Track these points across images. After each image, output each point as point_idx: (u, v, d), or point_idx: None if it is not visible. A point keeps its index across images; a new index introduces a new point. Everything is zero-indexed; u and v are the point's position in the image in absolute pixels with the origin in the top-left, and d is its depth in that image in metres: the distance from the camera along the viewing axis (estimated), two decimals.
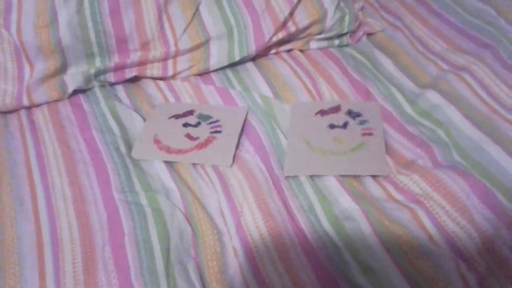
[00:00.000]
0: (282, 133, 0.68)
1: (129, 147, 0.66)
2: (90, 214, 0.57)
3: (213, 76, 0.81)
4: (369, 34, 0.89)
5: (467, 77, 0.71)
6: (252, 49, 0.80)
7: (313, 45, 0.86)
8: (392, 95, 0.73)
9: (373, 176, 0.60)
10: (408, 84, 0.75)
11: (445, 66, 0.76)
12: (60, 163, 0.63)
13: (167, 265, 0.51)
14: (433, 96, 0.69)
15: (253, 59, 0.83)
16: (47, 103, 0.74)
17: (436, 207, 0.54)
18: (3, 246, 0.54)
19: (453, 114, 0.66)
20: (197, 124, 0.69)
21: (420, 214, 0.54)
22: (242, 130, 0.68)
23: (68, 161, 0.64)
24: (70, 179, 0.61)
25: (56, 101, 0.75)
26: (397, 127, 0.67)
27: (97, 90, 0.76)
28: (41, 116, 0.72)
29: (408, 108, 0.71)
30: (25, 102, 0.73)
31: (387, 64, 0.81)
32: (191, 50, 0.79)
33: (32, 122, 0.71)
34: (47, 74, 0.74)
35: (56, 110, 0.73)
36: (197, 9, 0.80)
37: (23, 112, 0.73)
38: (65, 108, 0.73)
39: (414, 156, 0.62)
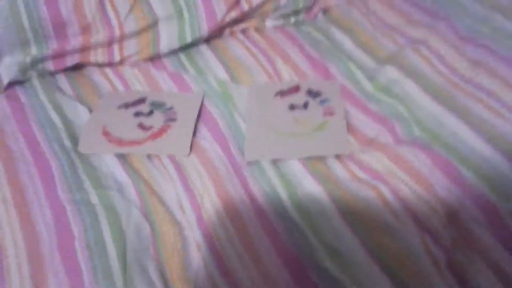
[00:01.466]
0: (241, 117, 0.65)
1: (74, 141, 0.61)
2: (35, 218, 0.52)
3: (165, 60, 0.76)
4: (325, 11, 0.86)
5: (424, 49, 0.71)
6: (204, 29, 0.76)
7: (269, 23, 0.83)
8: (351, 72, 0.72)
9: (337, 157, 0.58)
10: (367, 60, 0.74)
11: (401, 40, 0.75)
12: None
13: (124, 267, 0.48)
14: (391, 71, 0.68)
15: (207, 41, 0.79)
16: None
17: (399, 183, 0.53)
18: None
19: (411, 88, 0.65)
20: (150, 113, 0.65)
21: (384, 191, 0.53)
22: (198, 117, 0.64)
23: (6, 162, 0.57)
24: (10, 181, 0.55)
25: None
26: (357, 104, 0.66)
27: (36, 81, 0.69)
28: None
29: (367, 85, 0.69)
30: None
31: (345, 40, 0.79)
32: (138, 33, 0.74)
33: None
34: None
35: None
36: None
37: None
38: (1, 103, 0.66)
39: (375, 133, 0.61)
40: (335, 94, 0.66)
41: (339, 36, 0.80)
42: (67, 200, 0.53)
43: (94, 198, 0.53)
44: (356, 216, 0.50)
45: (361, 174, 0.56)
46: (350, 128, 0.62)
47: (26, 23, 0.68)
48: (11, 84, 0.69)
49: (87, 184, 0.55)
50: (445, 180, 0.53)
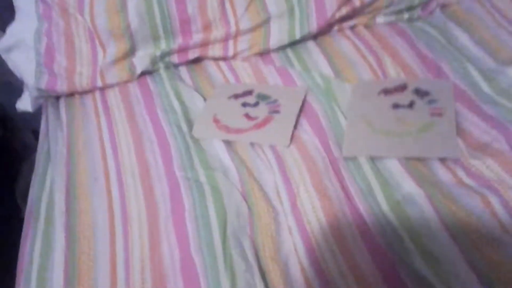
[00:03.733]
0: (342, 113, 0.65)
1: (190, 126, 0.69)
2: (155, 190, 0.60)
3: (273, 55, 0.80)
4: (443, 6, 0.81)
5: None
6: (314, 26, 0.78)
7: (380, 19, 0.81)
8: (467, 72, 0.67)
9: (441, 160, 0.56)
10: (486, 60, 0.68)
11: None
12: (130, 142, 0.67)
13: (224, 240, 0.53)
14: None
15: (315, 37, 0.81)
16: (118, 84, 0.79)
17: (510, 192, 0.49)
18: (79, 218, 0.59)
19: None
20: (256, 104, 0.70)
21: (493, 200, 0.49)
22: (300, 110, 0.67)
23: (136, 140, 0.68)
24: (138, 157, 0.65)
25: (126, 82, 0.79)
26: (471, 106, 0.62)
27: (162, 72, 0.80)
28: (113, 97, 0.77)
29: (484, 86, 0.64)
30: (99, 83, 0.78)
31: (463, 38, 0.73)
32: (251, 30, 0.79)
33: (105, 103, 0.76)
34: (118, 56, 0.78)
35: (126, 91, 0.77)
36: None
37: (97, 93, 0.79)
38: (134, 89, 0.78)
39: (489, 138, 0.56)
40: (446, 94, 0.63)
41: (456, 33, 0.75)
42: (181, 177, 0.60)
43: (202, 177, 0.60)
44: (458, 222, 0.48)
45: (468, 181, 0.53)
46: (460, 131, 0.58)
47: (158, 20, 0.78)
48: (142, 73, 0.80)
49: (198, 164, 0.62)
50: None
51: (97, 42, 0.78)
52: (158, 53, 0.79)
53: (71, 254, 0.55)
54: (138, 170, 0.63)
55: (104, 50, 0.79)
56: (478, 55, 0.69)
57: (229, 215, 0.55)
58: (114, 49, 0.78)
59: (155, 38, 0.79)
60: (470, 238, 0.47)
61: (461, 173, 0.54)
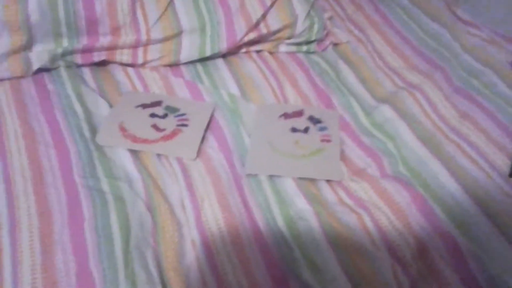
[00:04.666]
0: (246, 132, 0.71)
1: (93, 132, 0.66)
2: (50, 197, 0.57)
3: (183, 68, 0.82)
4: (335, 44, 0.93)
5: (418, 95, 0.78)
6: (224, 46, 0.82)
7: (282, 48, 0.90)
8: (351, 105, 0.79)
9: (328, 181, 0.64)
10: (366, 96, 0.81)
11: (400, 83, 0.83)
12: (21, 143, 0.62)
13: (126, 252, 0.53)
14: (386, 110, 0.75)
15: (224, 56, 0.85)
16: (9, 79, 0.72)
17: (379, 214, 0.60)
18: None
19: (402, 128, 0.72)
20: (164, 116, 0.71)
21: (365, 219, 0.59)
22: (208, 125, 0.70)
23: (29, 142, 0.63)
24: (30, 160, 0.61)
25: (19, 77, 0.73)
26: (352, 136, 0.72)
27: (63, 71, 0.75)
28: (3, 92, 0.70)
29: (363, 119, 0.76)
30: None
31: (349, 75, 0.86)
32: (162, 40, 0.80)
33: None
34: (12, 49, 0.72)
35: (19, 87, 0.71)
36: (171, 0, 0.80)
37: None
38: (28, 86, 0.72)
39: (365, 165, 0.67)
40: (334, 123, 0.73)
41: (344, 70, 0.87)
42: (81, 184, 0.58)
43: (105, 186, 0.59)
44: (338, 237, 0.56)
45: (348, 200, 0.62)
46: (343, 156, 0.68)
47: (62, 17, 0.74)
48: (40, 71, 0.74)
49: (101, 172, 0.60)
50: (419, 216, 0.59)
51: None
52: (59, 50, 0.75)
53: None
54: (31, 173, 0.59)
55: None
56: (360, 92, 0.82)
57: (133, 226, 0.55)
58: (8, 40, 0.71)
59: (57, 35, 0.75)
60: (347, 250, 0.56)
61: (342, 194, 0.63)
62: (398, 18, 0.98)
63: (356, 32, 0.96)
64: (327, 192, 0.63)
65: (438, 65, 0.86)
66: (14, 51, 0.72)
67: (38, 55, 0.74)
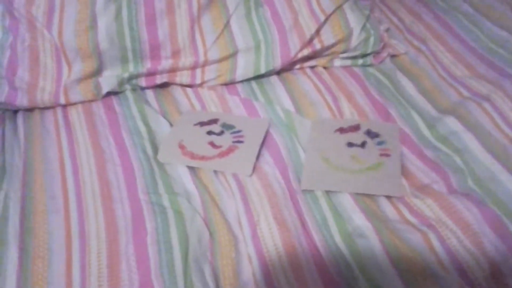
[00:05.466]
0: (302, 147, 0.70)
1: (155, 150, 0.70)
2: (116, 212, 0.61)
3: (238, 86, 0.84)
4: (392, 56, 0.90)
5: (487, 105, 0.72)
6: (278, 63, 0.83)
7: (337, 63, 0.89)
8: (412, 118, 0.75)
9: (388, 197, 0.62)
10: (428, 108, 0.77)
11: (465, 93, 0.78)
12: (91, 161, 0.67)
13: (185, 265, 0.54)
14: (451, 122, 0.71)
15: (278, 73, 0.86)
16: (82, 102, 0.78)
17: (447, 232, 0.56)
18: (34, 237, 0.58)
19: (470, 141, 0.67)
20: (221, 133, 0.73)
21: (432, 238, 0.55)
22: (263, 142, 0.71)
23: (98, 160, 0.68)
24: (99, 177, 0.65)
25: (90, 101, 0.79)
26: (414, 150, 0.69)
27: (129, 93, 0.80)
28: (76, 115, 0.76)
29: (426, 132, 0.72)
30: (62, 100, 0.77)
31: (409, 86, 0.82)
32: (219, 61, 0.83)
33: (67, 120, 0.75)
34: (84, 75, 0.78)
35: (90, 110, 0.77)
36: (227, 22, 0.83)
37: (58, 110, 0.78)
38: (98, 109, 0.78)
39: (430, 181, 0.63)
40: (393, 137, 0.70)
41: (403, 82, 0.84)
42: (144, 200, 0.61)
43: (166, 202, 0.61)
44: (402, 256, 0.53)
45: (411, 218, 0.59)
46: (404, 171, 0.65)
47: (128, 43, 0.80)
48: (108, 94, 0.80)
49: (162, 188, 0.63)
50: (493, 236, 0.54)
51: (63, 59, 0.78)
52: (125, 75, 0.80)
53: (24, 277, 0.54)
54: (99, 190, 0.63)
55: (70, 68, 0.78)
56: (421, 104, 0.78)
57: (191, 240, 0.57)
58: (80, 67, 0.78)
59: (124, 61, 0.81)
60: (412, 272, 0.52)
61: (404, 211, 0.60)
62: (461, 26, 0.93)
63: (415, 42, 0.92)
64: (388, 209, 0.60)
65: (508, 73, 0.79)
66: (86, 77, 0.78)
67: (107, 80, 0.80)
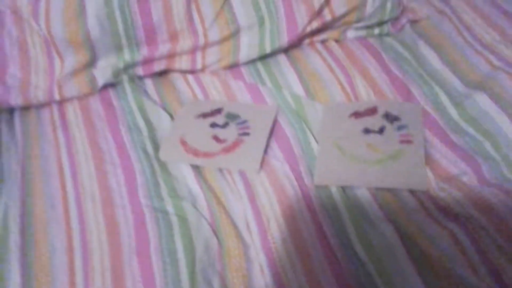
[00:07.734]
0: (313, 136, 0.64)
1: (156, 147, 0.65)
2: (118, 218, 0.57)
3: (243, 69, 0.78)
4: (413, 22, 0.81)
5: None
6: (284, 40, 0.76)
7: (350, 34, 0.81)
8: (436, 96, 0.68)
9: (410, 190, 0.56)
10: (455, 82, 0.69)
11: (497, 62, 0.69)
12: (90, 164, 0.63)
13: (192, 277, 0.51)
14: (482, 100, 0.63)
15: (285, 50, 0.79)
16: (78, 98, 0.74)
17: (479, 230, 0.50)
18: (36, 251, 0.55)
19: (504, 123, 0.60)
20: (225, 125, 0.67)
21: (460, 236, 0.50)
22: (271, 132, 0.65)
23: (97, 162, 0.64)
24: (99, 182, 0.61)
25: (87, 95, 0.74)
26: (439, 135, 0.62)
27: (127, 85, 0.75)
28: (72, 112, 0.72)
29: (453, 113, 0.65)
30: (56, 96, 0.73)
31: (432, 57, 0.74)
32: (220, 41, 0.76)
33: (63, 118, 0.71)
34: (77, 67, 0.73)
35: (87, 106, 0.72)
36: None
37: (55, 108, 0.73)
38: (95, 104, 0.73)
39: (458, 171, 0.57)
40: (415, 120, 0.63)
41: (426, 52, 0.75)
42: (147, 206, 0.57)
43: (169, 207, 0.57)
44: (424, 256, 0.49)
45: (436, 213, 0.54)
46: (428, 160, 0.59)
47: (121, 28, 0.73)
48: (104, 86, 0.75)
49: (165, 192, 0.59)
50: None
51: (53, 51, 0.73)
52: (121, 64, 0.75)
53: None
54: (99, 196, 0.60)
55: (62, 60, 0.73)
56: (446, 77, 0.70)
57: (198, 250, 0.53)
58: (72, 59, 0.73)
59: (118, 48, 0.75)
60: (437, 274, 0.48)
61: (429, 205, 0.55)
62: None
63: (438, 4, 0.83)
64: (410, 203, 0.55)
65: None
66: (80, 69, 0.73)
67: (102, 71, 0.75)
